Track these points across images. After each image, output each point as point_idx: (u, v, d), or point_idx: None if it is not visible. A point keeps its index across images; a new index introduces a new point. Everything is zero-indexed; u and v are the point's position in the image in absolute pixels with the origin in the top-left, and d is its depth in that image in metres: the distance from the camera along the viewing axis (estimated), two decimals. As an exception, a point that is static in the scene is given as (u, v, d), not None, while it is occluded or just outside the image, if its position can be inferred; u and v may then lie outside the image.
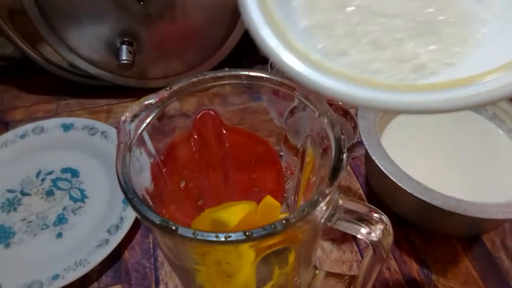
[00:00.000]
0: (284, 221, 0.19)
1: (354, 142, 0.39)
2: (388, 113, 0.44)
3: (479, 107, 0.45)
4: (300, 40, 0.19)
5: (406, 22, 0.19)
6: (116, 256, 0.41)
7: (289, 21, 0.20)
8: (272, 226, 0.19)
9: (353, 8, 0.20)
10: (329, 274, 0.31)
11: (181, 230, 0.19)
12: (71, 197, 0.45)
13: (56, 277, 0.37)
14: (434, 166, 0.41)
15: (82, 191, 0.46)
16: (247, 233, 0.18)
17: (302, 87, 0.24)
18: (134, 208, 0.20)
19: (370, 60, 0.18)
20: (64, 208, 0.44)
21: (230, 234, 0.18)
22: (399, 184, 0.35)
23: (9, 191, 0.46)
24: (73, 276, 0.37)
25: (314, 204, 0.20)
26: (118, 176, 0.21)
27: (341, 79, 0.18)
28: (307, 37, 0.20)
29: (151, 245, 0.42)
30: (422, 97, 0.16)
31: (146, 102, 0.25)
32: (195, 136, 0.31)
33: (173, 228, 0.19)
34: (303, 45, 0.19)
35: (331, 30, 0.20)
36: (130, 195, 0.20)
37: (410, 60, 0.18)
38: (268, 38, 0.19)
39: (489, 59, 0.17)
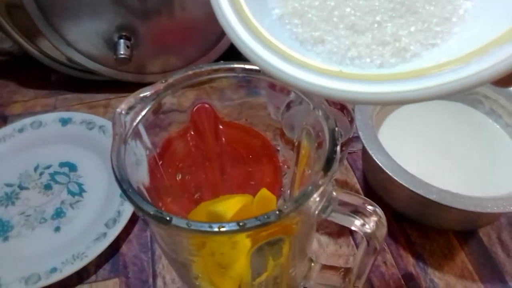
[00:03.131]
0: (277, 212, 0.19)
1: (351, 136, 0.39)
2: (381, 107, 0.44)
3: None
4: (274, 31, 0.19)
5: (385, 3, 0.18)
6: (113, 249, 0.41)
7: (262, 11, 0.19)
8: (266, 216, 0.19)
9: None
10: (324, 267, 0.31)
11: (175, 221, 0.19)
12: (69, 191, 0.45)
13: (54, 270, 0.37)
14: (430, 160, 0.41)
15: (80, 185, 0.46)
16: (240, 224, 0.19)
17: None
18: (129, 198, 0.20)
19: (349, 45, 0.18)
20: (62, 202, 0.44)
21: (223, 224, 0.19)
22: (396, 178, 0.35)
23: (7, 185, 0.46)
24: (70, 269, 0.37)
25: (308, 194, 0.20)
26: (113, 168, 0.21)
27: (318, 73, 0.17)
28: (282, 27, 0.19)
29: (149, 239, 0.42)
30: (403, 87, 0.16)
31: (142, 95, 0.25)
32: (191, 130, 0.31)
33: (167, 218, 0.19)
34: (277, 37, 0.18)
35: (306, 17, 0.19)
36: (124, 186, 0.20)
37: (391, 43, 0.18)
38: (241, 34, 0.18)
39: (472, 38, 0.17)
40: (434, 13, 0.18)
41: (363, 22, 0.18)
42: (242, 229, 0.19)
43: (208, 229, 0.19)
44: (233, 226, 0.19)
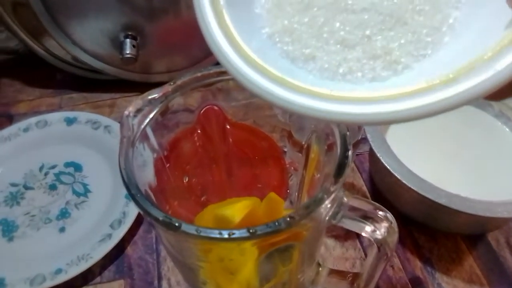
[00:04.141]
0: (288, 219, 0.19)
1: (359, 138, 0.39)
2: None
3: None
4: (264, 51, 0.18)
5: (374, 16, 0.18)
6: (118, 251, 0.41)
7: (251, 31, 0.19)
8: (276, 223, 0.19)
9: (317, 8, 0.19)
10: (332, 272, 0.31)
11: (184, 227, 0.19)
12: (74, 192, 0.45)
13: (59, 271, 0.37)
14: (439, 163, 0.40)
15: (85, 185, 0.46)
16: (250, 230, 0.18)
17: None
18: (137, 203, 0.20)
19: (339, 61, 0.18)
20: (67, 203, 0.44)
21: (233, 231, 0.18)
22: (404, 182, 0.35)
23: (13, 184, 0.46)
24: (75, 270, 0.37)
25: (319, 201, 0.20)
26: (121, 171, 0.21)
27: (309, 96, 0.17)
28: (273, 45, 0.19)
29: (154, 240, 0.42)
30: (396, 107, 0.16)
31: (150, 97, 0.24)
32: (199, 132, 0.31)
33: (176, 224, 0.19)
34: (266, 57, 0.18)
35: (296, 34, 0.19)
36: (133, 191, 0.20)
37: (382, 57, 0.17)
38: (232, 58, 0.18)
39: (463, 48, 0.16)
40: (423, 23, 0.18)
41: (353, 36, 0.18)
42: (252, 236, 0.18)
43: (218, 236, 0.18)
44: (243, 233, 0.18)
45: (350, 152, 0.22)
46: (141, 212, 0.20)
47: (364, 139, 0.38)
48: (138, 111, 0.24)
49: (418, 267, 0.39)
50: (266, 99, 0.17)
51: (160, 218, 0.19)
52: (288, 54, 0.19)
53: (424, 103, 0.15)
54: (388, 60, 0.17)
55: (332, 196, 0.20)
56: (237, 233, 0.18)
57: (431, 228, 0.41)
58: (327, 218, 0.22)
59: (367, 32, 0.18)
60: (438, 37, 0.17)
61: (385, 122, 0.16)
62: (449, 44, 0.17)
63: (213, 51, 0.18)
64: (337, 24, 0.18)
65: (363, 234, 0.23)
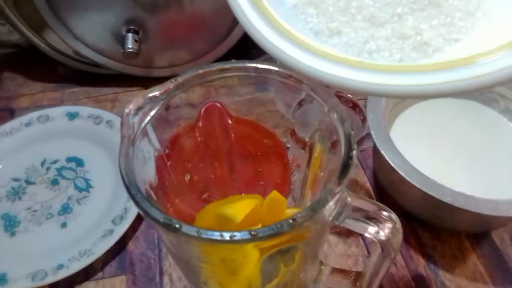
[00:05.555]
0: (291, 221, 0.18)
1: (363, 134, 0.38)
2: (399, 101, 0.43)
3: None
4: (288, 21, 0.18)
5: None
6: (120, 246, 0.40)
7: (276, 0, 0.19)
8: (279, 225, 0.18)
9: None
10: (334, 270, 0.30)
11: (185, 228, 0.18)
12: (76, 187, 0.45)
13: (60, 267, 0.37)
14: (443, 160, 0.40)
15: (87, 180, 0.46)
16: (252, 233, 0.18)
17: (305, 78, 0.22)
18: (137, 204, 0.20)
19: (367, 38, 0.17)
20: (69, 198, 0.44)
21: (235, 233, 0.18)
22: (408, 179, 0.34)
23: (14, 179, 0.46)
24: (77, 266, 0.37)
25: (323, 203, 0.19)
26: (121, 171, 0.21)
27: (335, 62, 0.16)
28: (296, 16, 0.18)
29: (156, 236, 0.42)
30: (426, 79, 0.15)
31: (151, 95, 0.24)
32: (200, 128, 0.31)
33: (177, 226, 0.18)
34: (291, 26, 0.18)
35: (322, 7, 0.18)
36: (133, 191, 0.20)
37: (412, 37, 0.17)
38: (255, 22, 0.18)
39: (497, 34, 0.16)
40: (458, 7, 0.17)
41: (382, 14, 0.17)
42: (254, 238, 0.18)
43: (219, 238, 0.18)
44: (245, 235, 0.18)
45: (354, 152, 0.21)
46: (141, 213, 0.20)
47: (368, 135, 0.38)
48: (139, 109, 0.24)
49: (421, 264, 0.39)
50: (293, 67, 0.16)
51: (161, 220, 0.19)
52: (312, 27, 0.18)
53: (464, 77, 0.14)
54: (418, 41, 0.17)
55: (336, 197, 0.20)
56: (239, 235, 0.18)
57: (434, 225, 0.41)
58: (330, 219, 0.22)
59: (398, 10, 0.17)
60: (472, 22, 0.17)
61: (428, 95, 0.15)
62: (483, 29, 0.17)
63: (233, 10, 0.18)
64: (367, 0, 0.18)
65: (367, 235, 0.23)
